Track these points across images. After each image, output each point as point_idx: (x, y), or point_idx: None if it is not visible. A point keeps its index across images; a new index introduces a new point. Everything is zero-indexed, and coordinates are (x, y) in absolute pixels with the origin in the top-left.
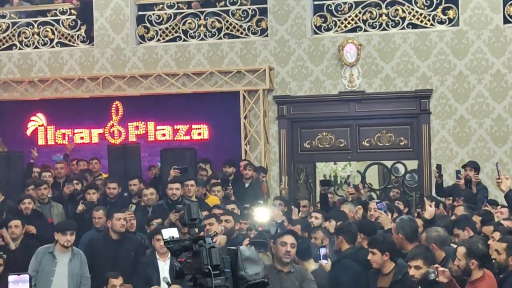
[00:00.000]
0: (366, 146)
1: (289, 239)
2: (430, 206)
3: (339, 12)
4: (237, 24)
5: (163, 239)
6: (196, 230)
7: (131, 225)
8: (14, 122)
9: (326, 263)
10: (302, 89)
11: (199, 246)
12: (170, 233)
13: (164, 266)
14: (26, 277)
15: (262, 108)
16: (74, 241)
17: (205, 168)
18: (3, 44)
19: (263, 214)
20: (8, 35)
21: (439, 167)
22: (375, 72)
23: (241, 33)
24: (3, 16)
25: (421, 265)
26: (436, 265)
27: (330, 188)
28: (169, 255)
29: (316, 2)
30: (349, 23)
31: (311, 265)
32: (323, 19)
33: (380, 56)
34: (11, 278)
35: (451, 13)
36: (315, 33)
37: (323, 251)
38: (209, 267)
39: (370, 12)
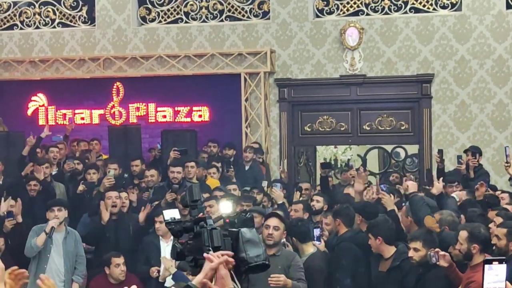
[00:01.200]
0: (366, 130)
1: (272, 221)
2: (438, 182)
3: None
4: (239, 6)
5: (164, 220)
6: (197, 211)
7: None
8: (14, 102)
9: (319, 244)
10: (304, 72)
11: (200, 227)
12: (172, 214)
13: (166, 248)
14: None
15: (263, 91)
16: (66, 218)
17: (212, 149)
18: (4, 24)
19: (227, 206)
20: (9, 14)
21: (440, 152)
22: (377, 56)
23: (243, 15)
24: None
25: (419, 247)
26: (437, 249)
27: (331, 171)
28: (171, 236)
29: None
30: (351, 6)
31: (310, 248)
32: (325, 3)
33: (382, 40)
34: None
35: None
36: (317, 16)
37: (317, 232)
38: (210, 248)
39: None
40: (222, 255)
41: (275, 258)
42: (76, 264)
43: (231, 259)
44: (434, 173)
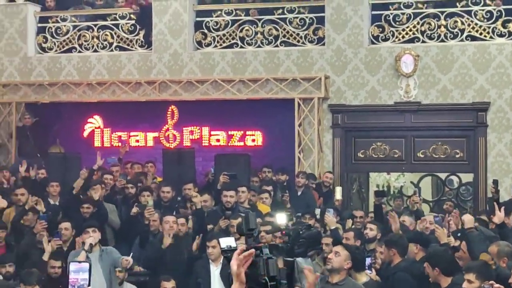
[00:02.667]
0: (421, 158)
1: (336, 248)
2: (500, 211)
3: (397, 23)
4: (294, 32)
5: (221, 248)
6: (253, 240)
7: (179, 230)
8: (71, 124)
9: (370, 273)
10: (358, 98)
11: (256, 256)
12: (228, 242)
13: (215, 271)
14: (86, 266)
15: (316, 116)
16: (100, 238)
17: (267, 174)
18: (63, 47)
19: (282, 217)
20: (68, 38)
21: (495, 182)
22: (432, 83)
23: (298, 41)
24: (64, 19)
25: (473, 279)
26: (491, 281)
27: (384, 199)
28: (221, 260)
29: (374, 12)
30: (406, 33)
31: (363, 277)
32: (380, 29)
33: (438, 67)
34: (72, 266)
35: (511, 26)
36: (372, 43)
37: (368, 260)
38: (266, 278)
39: (429, 23)
40: (238, 254)
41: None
42: (116, 269)
43: (243, 254)
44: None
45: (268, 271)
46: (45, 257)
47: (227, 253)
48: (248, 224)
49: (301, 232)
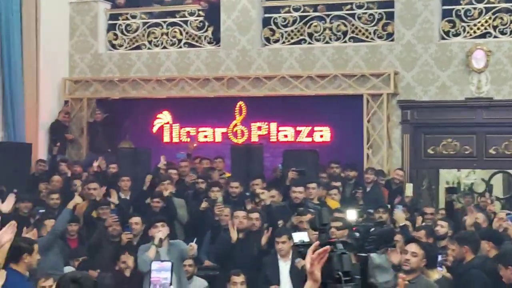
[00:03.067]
0: (492, 154)
1: (411, 247)
2: None
3: (468, 18)
4: (363, 28)
5: (294, 243)
6: (326, 235)
7: (252, 224)
8: (141, 119)
9: (441, 270)
10: (428, 94)
11: (330, 251)
12: (301, 237)
13: (285, 267)
14: (168, 265)
15: (385, 112)
16: (169, 233)
17: (335, 170)
18: (133, 44)
19: (353, 214)
20: (138, 35)
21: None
22: (504, 79)
23: (367, 37)
24: (134, 17)
25: None
26: None
27: (455, 196)
28: (290, 256)
29: (444, 7)
30: (478, 28)
31: (435, 274)
32: (451, 24)
33: (510, 63)
34: (154, 265)
35: None
36: (443, 38)
37: (439, 258)
38: (340, 273)
39: (501, 18)
40: (312, 251)
41: (410, 286)
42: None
43: (318, 251)
44: None
45: (342, 266)
46: None
47: (301, 248)
48: (321, 219)
49: (372, 230)
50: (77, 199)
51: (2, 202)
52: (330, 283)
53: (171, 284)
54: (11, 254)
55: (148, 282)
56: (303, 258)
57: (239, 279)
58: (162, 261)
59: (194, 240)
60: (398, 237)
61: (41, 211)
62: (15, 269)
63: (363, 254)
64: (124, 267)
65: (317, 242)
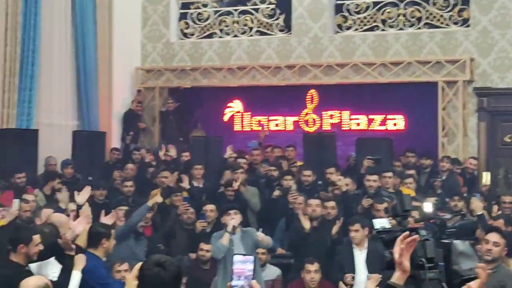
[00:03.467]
0: None
1: (492, 237)
2: None
3: None
4: (437, 13)
5: (375, 229)
6: (407, 222)
7: (327, 213)
8: (212, 108)
9: None
10: (505, 81)
11: None
12: (382, 223)
13: (360, 255)
14: (251, 258)
15: (461, 100)
16: (242, 221)
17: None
18: (205, 32)
19: (429, 206)
20: (209, 23)
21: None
22: None
23: (442, 23)
24: (205, 5)
25: None
26: None
27: None
28: (366, 244)
29: None
30: None
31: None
32: None
33: None
34: (237, 258)
35: None
36: None
37: None
38: (423, 259)
39: None
40: (401, 241)
41: (491, 275)
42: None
43: (407, 240)
44: None
45: (425, 252)
46: None
47: (382, 234)
48: (403, 206)
49: (448, 224)
50: (157, 198)
51: (79, 192)
52: (412, 270)
53: (253, 278)
54: (90, 239)
55: (230, 273)
56: (384, 244)
57: (313, 267)
58: (245, 255)
59: (260, 230)
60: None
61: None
62: (94, 253)
63: (446, 241)
64: (202, 255)
65: (407, 232)
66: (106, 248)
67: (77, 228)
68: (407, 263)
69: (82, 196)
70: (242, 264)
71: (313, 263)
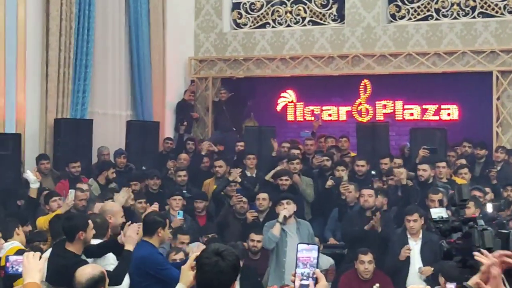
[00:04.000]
0: None
1: None
2: None
3: None
4: (492, 2)
5: (431, 219)
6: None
7: (380, 203)
8: (265, 98)
9: None
10: None
11: (469, 227)
12: (439, 212)
13: (415, 246)
14: (315, 247)
15: None
16: (296, 211)
17: (467, 149)
18: (257, 22)
19: (490, 207)
20: (262, 13)
21: None
22: None
23: (496, 12)
24: None
25: None
26: None
27: None
28: (421, 235)
29: None
30: None
31: None
32: None
33: None
34: (301, 246)
35: None
36: None
37: None
38: (481, 249)
39: None
40: (500, 255)
41: None
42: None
43: (508, 259)
44: None
45: (483, 242)
46: None
47: (439, 224)
48: (461, 195)
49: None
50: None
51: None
52: (469, 259)
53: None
54: (145, 228)
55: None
56: (441, 233)
57: (367, 257)
58: (308, 243)
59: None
60: None
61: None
62: (149, 242)
63: (505, 231)
64: (252, 246)
65: (509, 252)
66: (162, 237)
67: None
68: (496, 271)
69: (121, 196)
70: (307, 252)
71: (367, 253)
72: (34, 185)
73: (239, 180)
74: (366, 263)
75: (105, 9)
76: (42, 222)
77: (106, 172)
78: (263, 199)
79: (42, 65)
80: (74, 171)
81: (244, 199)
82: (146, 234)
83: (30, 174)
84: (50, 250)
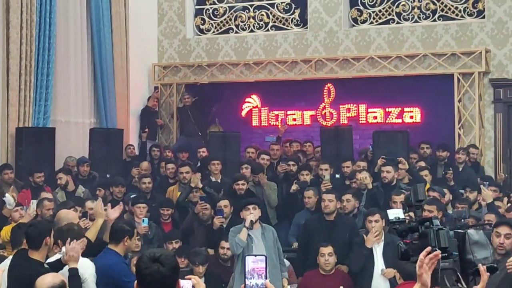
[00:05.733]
0: None
1: (503, 229)
2: None
3: None
4: (452, 5)
5: (389, 220)
6: (421, 211)
7: (342, 207)
8: (229, 103)
9: None
10: None
11: (425, 227)
12: (396, 213)
13: (377, 248)
14: (263, 258)
15: (477, 92)
16: (260, 216)
17: (426, 151)
18: (221, 28)
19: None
20: (225, 19)
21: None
22: None
23: (457, 15)
24: (221, 1)
25: None
26: None
27: None
28: (382, 237)
29: None
30: None
31: None
32: None
33: None
34: (249, 258)
35: None
36: None
37: None
38: (436, 249)
39: None
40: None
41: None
42: (281, 260)
43: (430, 257)
44: None
45: (439, 242)
46: None
47: (396, 224)
48: (416, 196)
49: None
50: None
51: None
52: None
53: (266, 277)
54: (112, 236)
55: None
56: (399, 235)
57: (327, 250)
58: (256, 255)
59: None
60: (489, 217)
61: (132, 196)
62: (114, 250)
63: (461, 231)
64: (223, 253)
65: (429, 248)
66: (127, 246)
67: (112, 214)
68: (426, 277)
69: (114, 212)
70: (255, 264)
71: (327, 246)
72: (10, 207)
73: (201, 185)
74: (326, 255)
75: (66, 16)
76: (4, 232)
77: (66, 176)
78: (224, 206)
79: (3, 73)
80: (38, 181)
81: (208, 206)
82: (112, 241)
83: (10, 199)
84: (7, 261)
